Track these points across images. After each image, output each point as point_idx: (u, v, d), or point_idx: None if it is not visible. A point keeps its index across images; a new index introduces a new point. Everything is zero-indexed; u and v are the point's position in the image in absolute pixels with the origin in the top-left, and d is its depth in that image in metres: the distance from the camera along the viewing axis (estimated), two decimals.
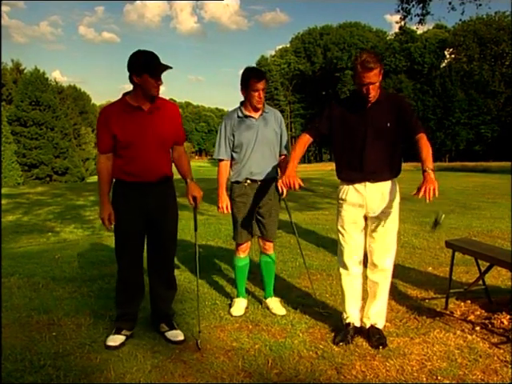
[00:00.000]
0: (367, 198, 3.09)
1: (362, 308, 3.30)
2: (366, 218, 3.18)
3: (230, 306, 3.78)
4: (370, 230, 3.17)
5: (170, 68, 2.96)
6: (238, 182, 3.67)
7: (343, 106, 3.15)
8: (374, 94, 2.98)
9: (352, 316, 3.24)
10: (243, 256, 3.80)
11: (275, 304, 3.74)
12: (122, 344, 3.05)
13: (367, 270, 3.22)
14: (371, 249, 3.17)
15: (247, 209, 3.65)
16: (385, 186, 3.10)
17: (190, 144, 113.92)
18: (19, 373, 2.71)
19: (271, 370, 2.78)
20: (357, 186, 3.11)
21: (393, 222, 3.14)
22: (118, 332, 3.13)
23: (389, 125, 3.02)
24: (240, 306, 3.74)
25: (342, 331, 3.20)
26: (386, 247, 3.14)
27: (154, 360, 2.88)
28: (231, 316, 3.61)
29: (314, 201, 11.65)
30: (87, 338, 3.15)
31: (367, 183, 3.09)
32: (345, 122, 3.10)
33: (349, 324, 3.22)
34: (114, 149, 3.04)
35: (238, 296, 3.84)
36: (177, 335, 3.14)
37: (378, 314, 3.21)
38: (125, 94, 3.05)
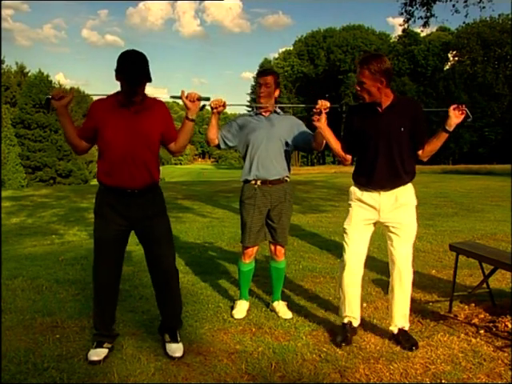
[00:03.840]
0: (381, 202, 3.11)
1: (361, 308, 3.30)
2: (375, 223, 3.20)
3: (232, 308, 3.78)
4: (390, 239, 3.17)
5: (148, 80, 2.81)
6: (247, 181, 3.66)
7: (359, 114, 3.19)
8: (360, 94, 3.02)
9: (350, 315, 3.24)
10: (248, 261, 3.77)
11: (282, 308, 3.74)
12: (106, 357, 2.93)
13: (391, 277, 3.21)
14: (393, 256, 3.16)
15: (256, 211, 3.62)
16: (399, 190, 3.11)
17: (193, 146, 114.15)
18: (23, 375, 2.71)
19: (274, 373, 2.78)
20: (371, 192, 3.14)
21: (412, 229, 3.15)
22: (100, 345, 2.99)
23: (402, 129, 3.02)
24: (242, 308, 3.73)
25: (342, 331, 3.20)
26: (407, 253, 3.15)
27: (158, 363, 2.88)
28: (233, 318, 3.60)
29: (317, 203, 11.65)
30: (90, 340, 3.14)
31: (382, 191, 3.12)
32: (361, 131, 3.13)
33: (346, 324, 3.23)
34: (88, 140, 2.96)
35: (240, 298, 3.84)
36: (175, 350, 2.98)
37: (404, 317, 3.21)
38: (118, 92, 2.93)
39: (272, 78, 3.62)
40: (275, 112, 3.70)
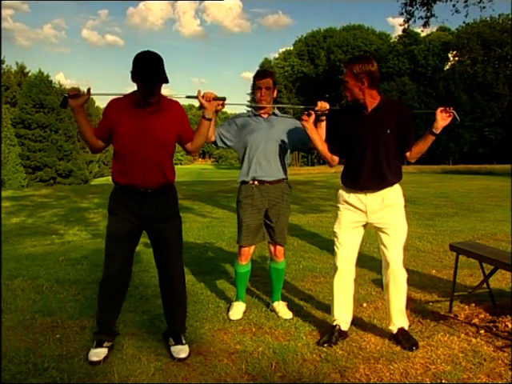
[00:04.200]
0: (368, 204, 3.13)
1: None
2: (365, 225, 3.22)
3: (229, 309, 3.77)
4: (380, 240, 3.19)
5: (165, 82, 2.81)
6: (245, 182, 3.66)
7: (346, 116, 3.21)
8: (347, 94, 3.07)
9: (339, 319, 3.25)
10: (245, 263, 3.75)
11: (282, 308, 3.73)
12: (106, 357, 2.92)
13: (384, 276, 3.21)
14: (386, 256, 3.17)
15: (253, 210, 3.62)
16: (385, 191, 3.12)
17: None
18: (23, 375, 2.71)
19: (275, 373, 2.78)
20: (357, 193, 3.15)
21: (401, 229, 3.17)
22: (100, 344, 2.97)
23: (389, 131, 3.04)
24: (238, 309, 3.71)
25: (328, 333, 3.21)
26: (398, 252, 3.16)
27: (158, 363, 2.88)
28: (230, 320, 3.59)
29: (317, 203, 11.64)
30: (91, 340, 3.13)
31: (368, 192, 3.12)
32: (348, 132, 3.14)
33: (335, 326, 3.23)
34: (104, 140, 2.97)
35: (237, 300, 3.82)
36: (179, 351, 2.97)
37: (401, 316, 3.21)
38: (135, 91, 2.93)
39: (271, 80, 3.61)
40: (274, 114, 3.70)
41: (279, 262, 3.79)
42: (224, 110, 3.55)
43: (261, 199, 3.61)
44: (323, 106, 3.31)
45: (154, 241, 3.06)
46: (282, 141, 3.64)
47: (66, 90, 2.99)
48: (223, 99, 3.16)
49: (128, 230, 2.96)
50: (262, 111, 3.67)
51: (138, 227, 2.99)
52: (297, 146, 3.75)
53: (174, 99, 3.05)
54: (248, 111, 3.81)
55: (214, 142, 3.71)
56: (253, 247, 3.75)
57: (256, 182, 3.61)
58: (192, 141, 3.05)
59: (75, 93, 2.92)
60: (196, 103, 3.12)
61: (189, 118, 3.14)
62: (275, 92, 3.67)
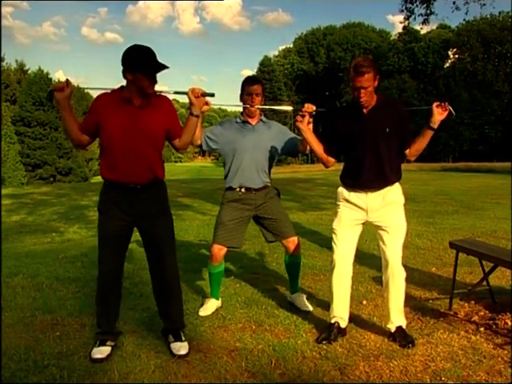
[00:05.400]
0: (368, 203, 3.13)
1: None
2: (363, 223, 3.23)
3: (202, 304, 3.78)
4: (380, 238, 3.19)
5: (167, 68, 2.81)
6: (231, 189, 3.67)
7: (343, 116, 3.20)
8: (365, 98, 3.00)
9: (338, 316, 3.25)
10: (217, 264, 3.75)
11: (300, 300, 3.79)
12: (109, 355, 2.92)
13: (384, 274, 3.21)
14: (385, 254, 3.17)
15: (235, 212, 3.63)
16: (386, 189, 3.12)
17: None
18: (23, 373, 2.72)
19: (274, 371, 2.78)
20: (358, 192, 3.15)
21: (400, 227, 3.16)
22: (103, 343, 2.98)
23: (387, 130, 3.03)
24: (210, 306, 3.72)
25: (327, 330, 3.21)
26: (397, 250, 3.15)
27: (158, 360, 2.89)
28: (199, 315, 3.59)
29: (317, 201, 11.63)
30: (91, 337, 3.14)
31: (369, 192, 3.13)
32: (346, 133, 3.13)
33: (334, 324, 3.23)
34: (90, 135, 2.94)
35: (210, 297, 3.83)
36: (179, 348, 2.97)
37: (400, 314, 3.21)
38: (122, 86, 2.91)
39: (261, 87, 3.62)
40: (261, 120, 3.70)
41: (295, 256, 3.81)
42: (224, 107, 3.55)
43: (247, 204, 3.63)
44: (309, 107, 3.33)
45: (146, 238, 3.03)
46: (270, 147, 3.66)
47: (52, 85, 2.96)
48: (212, 95, 3.11)
49: (119, 228, 2.93)
50: (250, 118, 3.66)
51: (128, 224, 2.97)
52: (284, 151, 3.77)
53: (164, 94, 3.02)
54: (236, 117, 3.76)
55: (200, 146, 3.70)
56: (224, 250, 3.71)
57: (243, 189, 3.63)
58: (180, 137, 3.02)
59: (61, 86, 2.89)
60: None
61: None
62: (263, 99, 3.68)
